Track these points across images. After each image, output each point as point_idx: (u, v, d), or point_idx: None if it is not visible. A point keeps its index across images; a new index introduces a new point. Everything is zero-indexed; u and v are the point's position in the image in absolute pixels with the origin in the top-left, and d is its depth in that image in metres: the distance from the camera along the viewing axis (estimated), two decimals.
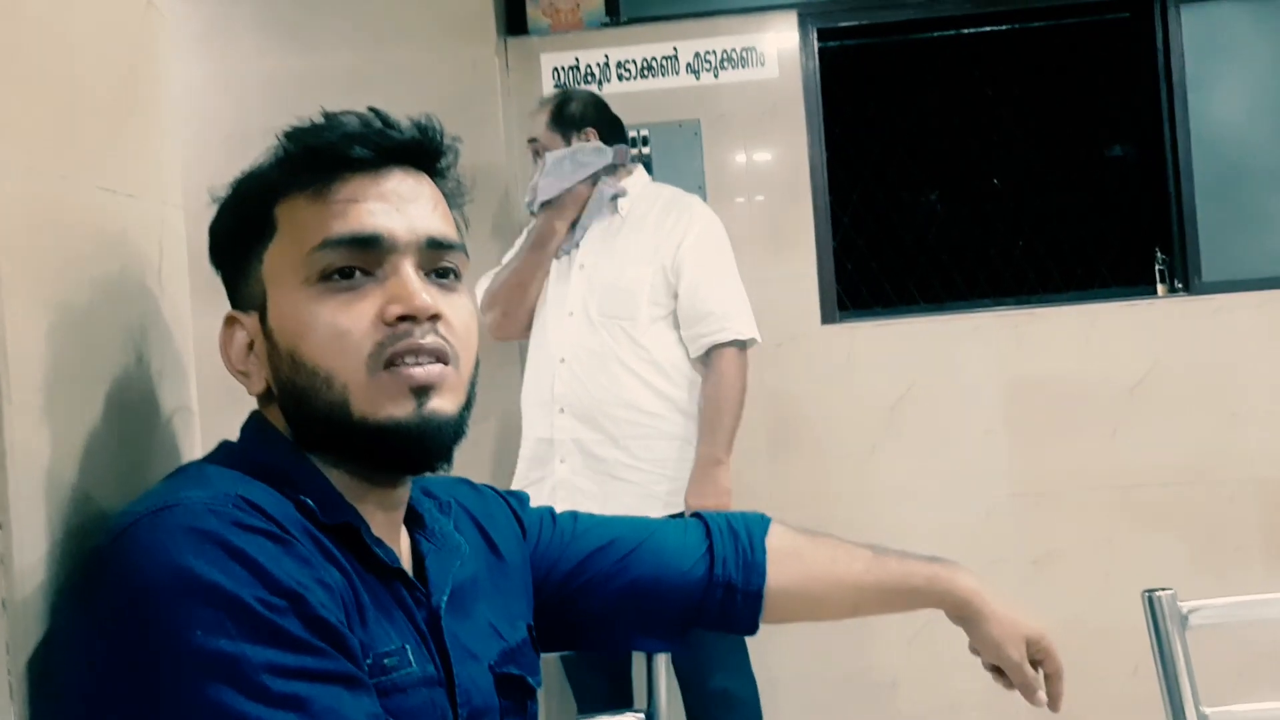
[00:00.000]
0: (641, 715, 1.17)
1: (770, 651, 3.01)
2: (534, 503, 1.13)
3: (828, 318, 3.17)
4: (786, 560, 1.12)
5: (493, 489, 1.08)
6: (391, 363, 0.82)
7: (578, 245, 2.55)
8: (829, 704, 3.11)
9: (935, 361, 3.14)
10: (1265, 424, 3.05)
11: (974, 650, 1.15)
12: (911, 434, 3.12)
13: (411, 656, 0.81)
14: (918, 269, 3.35)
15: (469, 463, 1.07)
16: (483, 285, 2.64)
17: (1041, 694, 1.13)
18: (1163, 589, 1.03)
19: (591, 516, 1.14)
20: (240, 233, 0.87)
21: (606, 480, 2.44)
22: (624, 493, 2.40)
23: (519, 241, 2.68)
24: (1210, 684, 1.06)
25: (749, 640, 2.57)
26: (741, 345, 2.50)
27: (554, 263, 2.57)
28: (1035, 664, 1.13)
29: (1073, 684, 1.18)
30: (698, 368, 2.51)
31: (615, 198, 2.55)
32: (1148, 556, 3.02)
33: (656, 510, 2.34)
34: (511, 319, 2.61)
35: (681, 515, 1.43)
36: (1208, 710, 1.01)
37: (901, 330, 3.19)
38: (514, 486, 2.49)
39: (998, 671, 1.16)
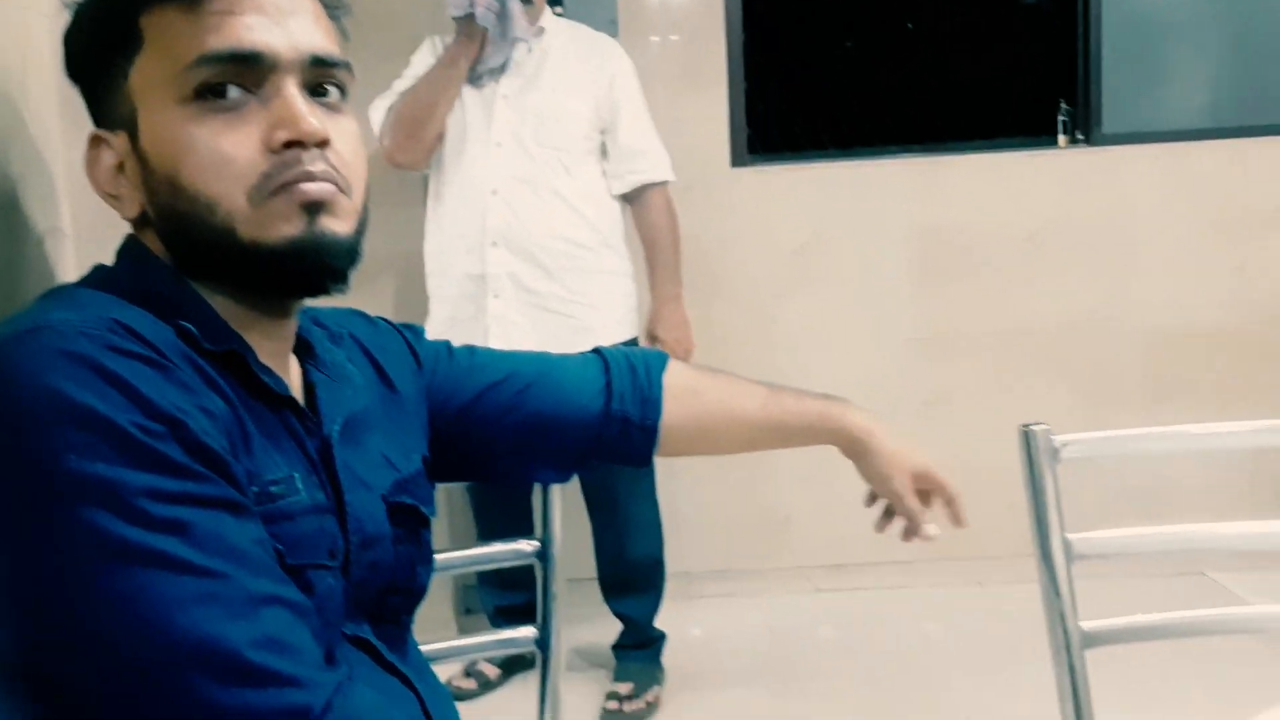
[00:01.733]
0: (537, 544, 1.19)
1: (674, 484, 3.10)
2: (466, 342, 1.12)
3: (738, 160, 3.16)
4: (683, 396, 1.13)
5: (387, 321, 1.07)
6: (279, 190, 0.79)
7: (498, 75, 2.47)
8: (727, 536, 3.23)
9: (843, 207, 3.17)
10: (1155, 275, 3.17)
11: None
12: (817, 279, 3.16)
13: (300, 484, 0.80)
14: (829, 114, 3.33)
15: (371, 310, 1.06)
16: (379, 108, 2.53)
17: (928, 528, 1.17)
18: (1038, 424, 1.07)
19: (489, 350, 1.13)
20: (102, 44, 0.81)
21: (540, 314, 2.44)
22: (558, 327, 2.41)
23: (414, 60, 2.56)
24: (1081, 516, 1.11)
25: (656, 471, 2.65)
26: (666, 184, 2.57)
27: (471, 92, 2.48)
28: (926, 496, 1.18)
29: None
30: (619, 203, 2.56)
31: (526, 39, 2.45)
32: (1036, 399, 3.15)
33: (590, 344, 2.35)
34: (417, 142, 2.48)
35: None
36: (1070, 536, 1.07)
37: (811, 175, 3.20)
38: (435, 327, 2.47)
39: (886, 514, 1.20)
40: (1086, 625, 1.06)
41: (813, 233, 3.16)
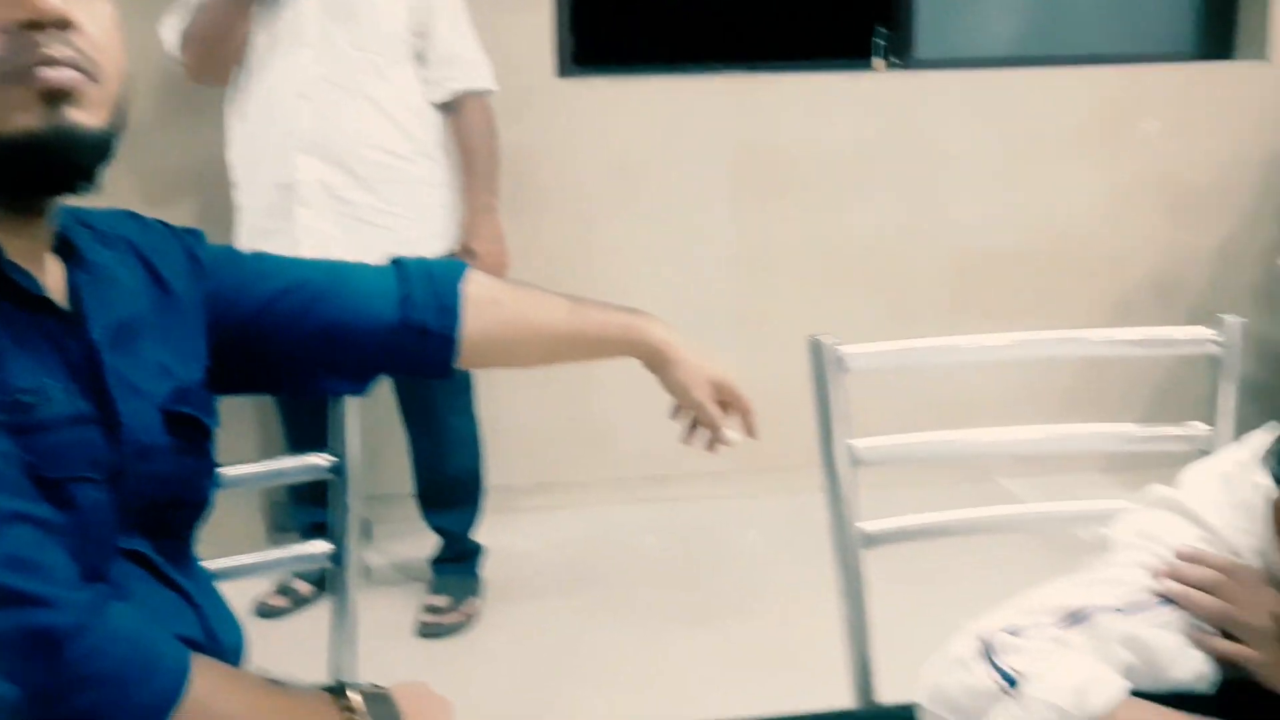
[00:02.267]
0: (332, 458, 1.16)
1: (494, 396, 3.09)
2: (275, 252, 1.07)
3: (564, 72, 3.11)
4: (483, 307, 1.12)
5: (163, 224, 1.01)
6: (14, 77, 0.72)
7: None
8: (548, 448, 3.25)
9: (666, 123, 3.16)
10: (961, 196, 3.30)
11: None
12: (640, 195, 3.16)
13: (57, 393, 0.76)
14: (655, 28, 3.31)
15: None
16: (170, 26, 2.36)
17: (726, 432, 1.21)
18: (825, 335, 1.11)
19: (279, 257, 1.09)
20: None
21: (355, 226, 2.35)
22: (374, 239, 2.32)
23: None
24: (881, 428, 1.16)
25: (476, 384, 2.63)
26: (485, 94, 2.50)
27: None
28: (725, 408, 1.21)
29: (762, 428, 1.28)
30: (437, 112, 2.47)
31: None
32: (848, 315, 3.25)
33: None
34: (215, 60, 2.36)
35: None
36: (853, 442, 1.11)
37: (636, 90, 3.18)
38: (242, 240, 2.36)
39: (690, 426, 1.23)
40: (866, 526, 1.12)
41: (636, 148, 3.15)
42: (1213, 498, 0.79)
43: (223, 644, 0.89)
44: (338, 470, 1.14)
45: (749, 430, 1.23)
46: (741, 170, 3.21)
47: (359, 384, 1.12)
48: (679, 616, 2.59)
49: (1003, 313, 3.30)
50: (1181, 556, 0.75)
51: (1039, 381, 3.33)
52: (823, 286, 3.27)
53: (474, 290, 1.12)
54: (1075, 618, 0.71)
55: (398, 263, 1.12)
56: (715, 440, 1.21)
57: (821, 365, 1.10)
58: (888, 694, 1.05)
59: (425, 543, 2.71)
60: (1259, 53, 3.41)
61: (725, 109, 3.19)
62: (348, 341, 1.06)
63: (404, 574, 2.80)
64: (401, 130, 2.40)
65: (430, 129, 2.46)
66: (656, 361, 1.18)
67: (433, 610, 2.55)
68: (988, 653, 0.68)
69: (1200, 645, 0.73)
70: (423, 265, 1.13)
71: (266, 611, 2.56)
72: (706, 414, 1.19)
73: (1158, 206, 3.42)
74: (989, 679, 0.67)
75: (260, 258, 1.07)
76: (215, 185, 2.58)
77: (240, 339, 1.01)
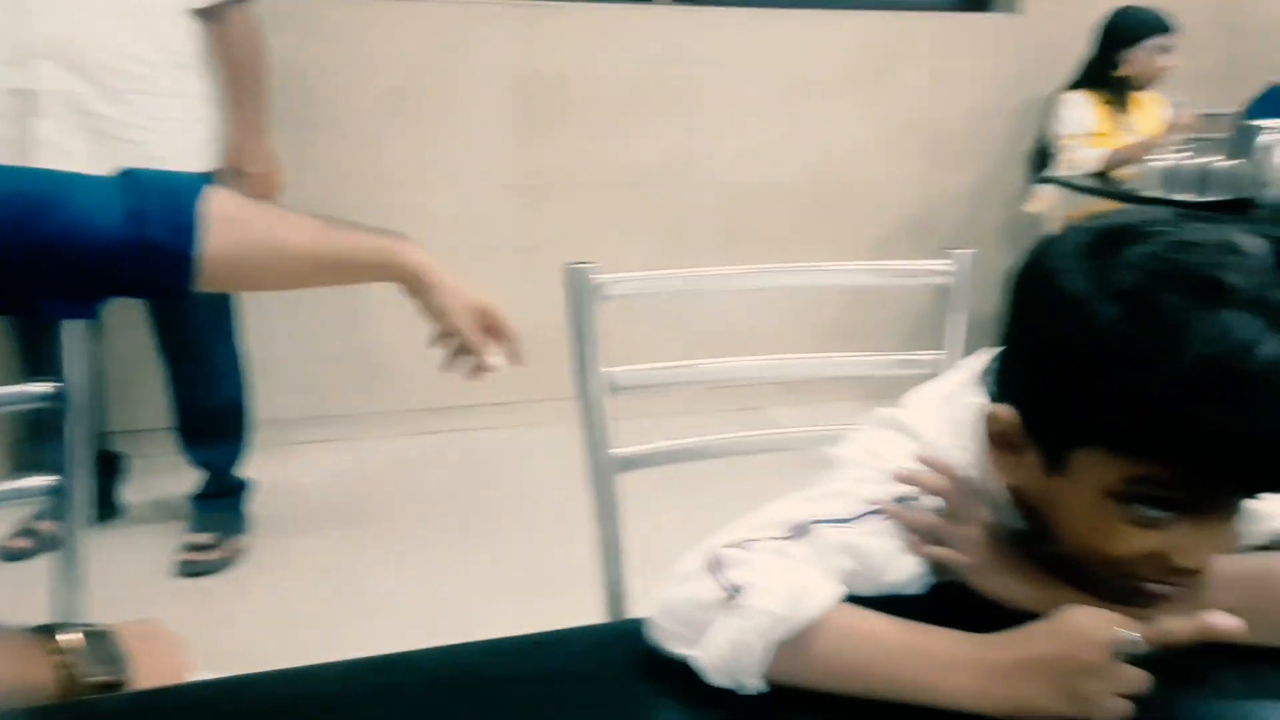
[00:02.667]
0: (53, 386, 1.08)
1: (264, 326, 2.96)
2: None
3: None
4: (225, 226, 1.05)
5: None
6: None
7: None
8: (323, 380, 3.16)
9: (446, 46, 3.08)
10: (737, 133, 3.37)
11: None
12: (419, 118, 3.07)
13: None
14: None
15: None
16: None
17: (489, 359, 1.19)
18: (583, 263, 1.10)
19: None
20: None
21: (101, 141, 2.16)
22: (122, 155, 2.13)
23: None
24: (641, 357, 1.17)
25: (244, 313, 2.51)
26: (248, 1, 2.35)
27: None
28: (487, 334, 1.19)
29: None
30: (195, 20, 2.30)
31: None
32: (623, 246, 3.30)
33: None
34: None
35: None
36: (609, 370, 1.12)
37: (414, 10, 3.06)
38: None
39: (452, 354, 1.20)
40: (620, 451, 1.13)
41: (415, 69, 3.05)
42: (931, 417, 0.84)
43: None
44: (60, 399, 1.06)
45: (515, 356, 1.22)
46: (522, 98, 3.16)
47: (84, 306, 1.04)
48: (454, 547, 2.59)
49: (773, 247, 3.41)
50: (921, 462, 0.79)
51: (807, 317, 3.47)
52: (600, 217, 3.28)
53: (215, 208, 1.05)
54: (799, 530, 0.75)
55: (128, 174, 1.04)
56: (478, 367, 1.20)
57: (578, 292, 1.10)
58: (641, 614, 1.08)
59: (188, 479, 2.59)
60: (1012, 5, 3.62)
61: (507, 36, 3.12)
62: (68, 259, 0.97)
63: (164, 512, 2.67)
64: (153, 37, 2.22)
65: (186, 37, 2.29)
66: (415, 286, 1.14)
67: (194, 548, 2.45)
68: (714, 567, 0.71)
69: (916, 551, 0.77)
70: (158, 178, 1.05)
71: (8, 554, 2.39)
72: (467, 340, 1.17)
73: (917, 149, 3.60)
74: (713, 591, 0.69)
75: None
76: None
77: None
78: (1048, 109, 3.39)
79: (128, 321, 2.59)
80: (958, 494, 0.79)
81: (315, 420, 3.16)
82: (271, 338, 3.02)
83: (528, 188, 3.22)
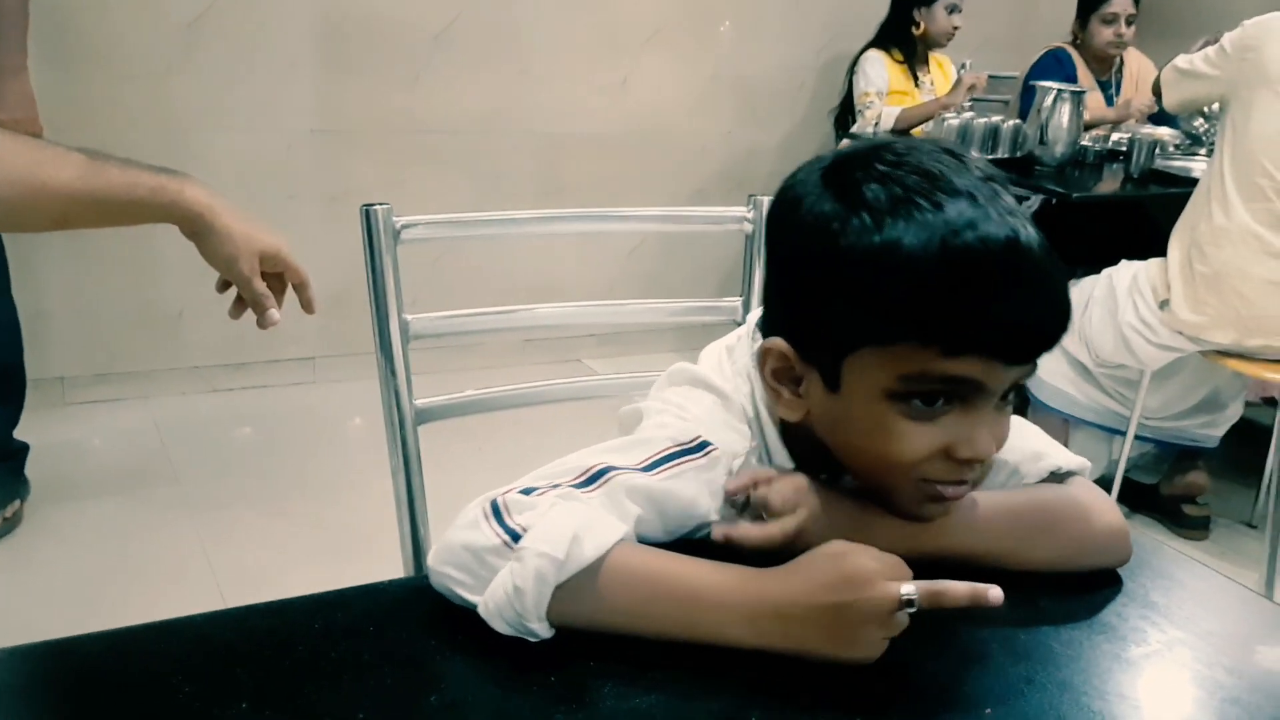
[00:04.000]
0: None
1: (40, 280, 2.76)
2: None
3: None
4: None
5: None
6: None
7: None
8: (108, 337, 2.96)
9: None
10: (550, 81, 3.32)
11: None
12: (212, 57, 2.89)
13: None
14: None
15: None
16: None
17: (273, 312, 1.12)
18: (380, 204, 1.06)
19: None
20: None
21: None
22: None
23: None
24: (426, 297, 1.13)
25: (11, 265, 2.31)
26: None
27: None
28: (274, 279, 1.12)
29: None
30: None
31: None
32: (437, 195, 3.21)
33: None
34: None
35: None
36: (408, 317, 1.08)
37: None
38: None
39: (238, 302, 1.13)
40: (419, 402, 1.10)
41: (208, 5, 2.86)
42: (721, 368, 0.87)
43: None
44: None
45: (307, 304, 1.16)
46: (329, 38, 3.02)
47: None
48: (254, 509, 2.48)
49: (589, 200, 3.39)
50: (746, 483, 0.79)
51: (621, 268, 3.48)
52: (411, 165, 3.19)
53: None
54: (593, 476, 0.74)
55: None
56: (263, 319, 1.13)
57: (375, 235, 1.05)
58: None
59: None
60: None
61: None
62: None
63: None
64: None
65: None
66: (196, 228, 1.06)
67: None
68: (495, 513, 0.69)
69: (732, 534, 0.76)
70: None
71: None
72: (251, 289, 1.10)
73: (730, 103, 3.64)
74: (492, 537, 0.68)
75: None
76: None
77: None
78: (851, 67, 3.48)
79: None
80: (778, 480, 0.79)
81: (100, 378, 2.97)
82: (48, 289, 2.81)
83: (335, 132, 3.09)
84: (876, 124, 3.31)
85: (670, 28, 3.45)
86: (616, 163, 3.47)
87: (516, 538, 0.67)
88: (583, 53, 3.35)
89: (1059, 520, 0.84)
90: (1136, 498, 2.81)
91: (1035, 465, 0.88)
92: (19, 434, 2.42)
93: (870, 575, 0.66)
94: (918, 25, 3.37)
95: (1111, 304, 2.54)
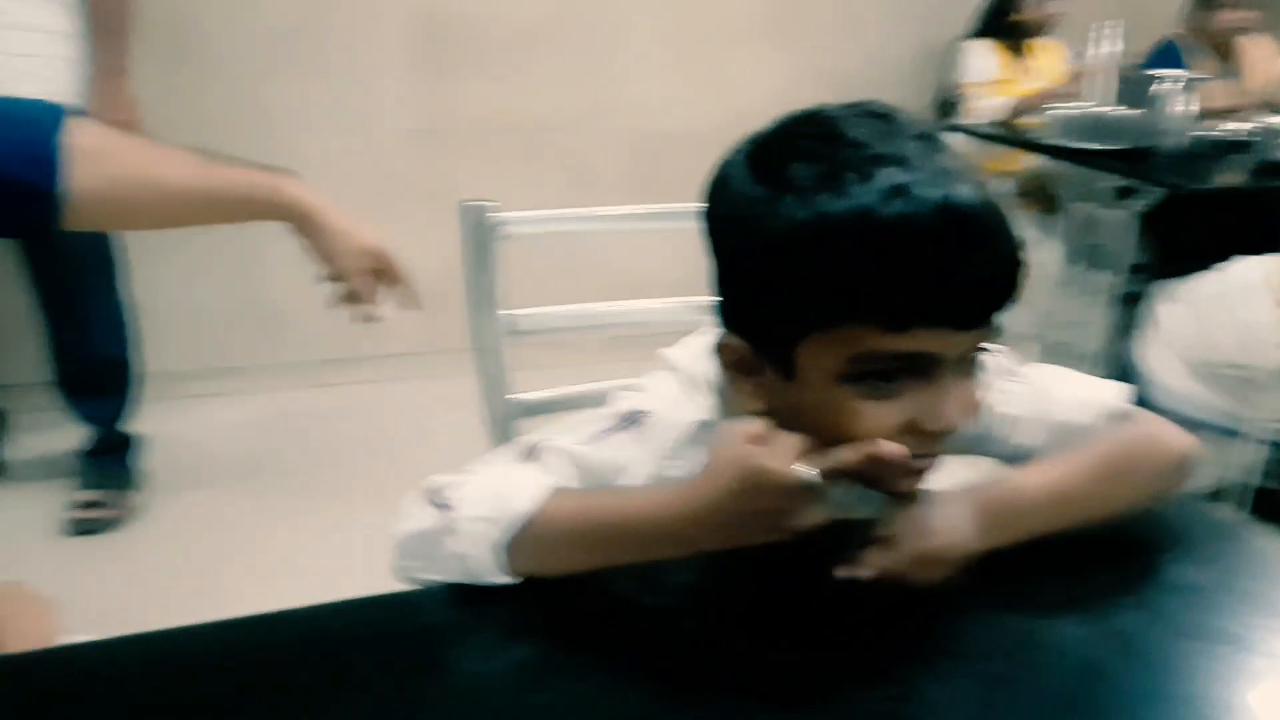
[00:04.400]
0: None
1: (153, 277, 2.85)
2: None
3: None
4: (93, 159, 0.98)
5: None
6: None
7: None
8: (216, 332, 3.05)
9: None
10: (644, 78, 3.32)
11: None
12: (311, 60, 2.96)
13: None
14: None
15: None
16: None
17: (373, 308, 1.15)
18: (477, 201, 1.06)
19: None
20: None
21: None
22: None
23: None
24: (521, 293, 1.14)
25: (129, 264, 2.39)
26: None
27: None
28: (378, 278, 1.15)
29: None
30: None
31: None
32: (532, 191, 3.23)
33: None
34: None
35: None
36: (505, 312, 1.08)
37: None
38: None
39: (341, 298, 1.15)
40: (519, 397, 1.10)
41: (307, 6, 2.93)
42: (690, 346, 0.87)
43: None
44: None
45: (407, 303, 1.18)
46: (424, 39, 3.06)
47: None
48: (353, 500, 2.52)
49: (678, 193, 3.37)
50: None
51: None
52: (504, 163, 3.21)
53: (81, 140, 0.98)
54: (529, 453, 0.77)
55: None
56: (366, 314, 1.15)
57: (474, 230, 1.05)
58: None
59: (76, 435, 2.48)
60: None
61: None
62: None
63: (51, 469, 2.55)
64: None
65: None
66: (303, 226, 1.09)
67: (83, 505, 2.35)
68: (430, 496, 0.72)
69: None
70: (11, 106, 0.97)
71: None
72: (352, 286, 1.12)
73: (825, 96, 3.56)
74: (430, 518, 0.71)
75: None
76: None
77: None
78: (948, 57, 3.40)
79: (10, 269, 2.46)
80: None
81: (208, 372, 3.06)
82: (160, 286, 2.91)
83: (428, 132, 3.13)
84: (981, 116, 3.23)
85: (764, 21, 3.42)
86: (708, 159, 3.43)
87: (448, 512, 0.71)
88: (674, 47, 3.34)
89: (1141, 462, 0.84)
90: (1268, 505, 2.68)
91: (1094, 415, 0.87)
92: (134, 427, 2.50)
93: (760, 458, 0.66)
94: (1017, 11, 3.28)
95: (1230, 302, 2.44)
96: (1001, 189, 3.22)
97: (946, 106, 3.43)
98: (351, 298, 1.13)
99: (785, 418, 0.75)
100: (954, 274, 0.66)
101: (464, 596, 0.71)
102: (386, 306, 1.15)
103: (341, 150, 3.01)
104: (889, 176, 0.66)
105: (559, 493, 0.72)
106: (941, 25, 3.48)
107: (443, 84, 3.11)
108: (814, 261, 0.67)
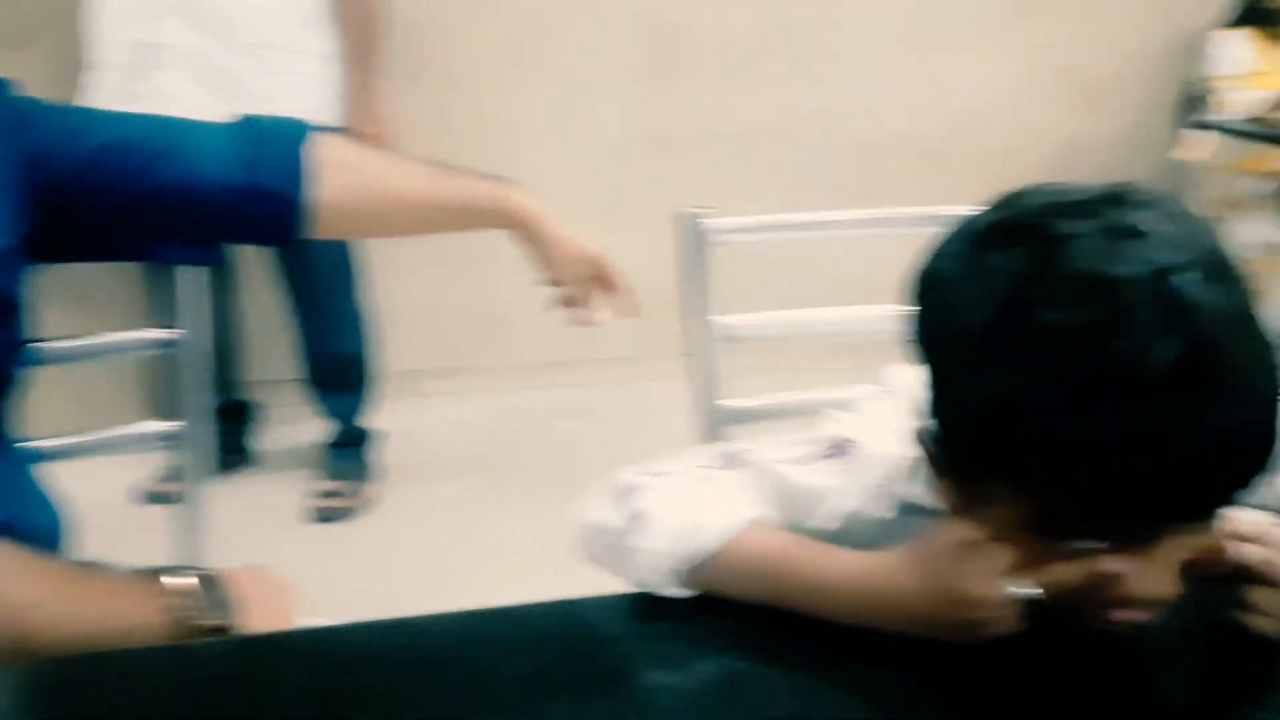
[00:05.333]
0: (171, 333, 1.10)
1: (392, 280, 3.01)
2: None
3: None
4: (339, 171, 1.06)
5: None
6: None
7: None
8: (451, 333, 3.20)
9: None
10: (866, 81, 3.25)
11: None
12: (537, 70, 3.06)
13: None
14: None
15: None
16: None
17: (591, 313, 1.17)
18: (695, 207, 1.07)
19: (109, 112, 1.02)
20: None
21: (224, 94, 2.19)
22: (244, 109, 2.14)
23: None
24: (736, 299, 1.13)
25: (372, 266, 2.54)
26: None
27: None
28: (597, 285, 1.17)
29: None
30: None
31: None
32: (749, 201, 3.21)
33: None
34: None
35: None
36: (718, 319, 1.09)
37: None
38: (90, 100, 2.21)
39: (560, 302, 1.19)
40: (730, 404, 1.10)
41: (535, 21, 3.03)
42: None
43: (31, 527, 0.84)
44: (173, 346, 1.08)
45: (626, 309, 1.20)
46: (643, 48, 3.11)
47: (199, 252, 1.06)
48: (572, 496, 2.59)
49: (900, 198, 3.28)
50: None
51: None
52: (724, 170, 3.22)
53: (327, 154, 1.05)
54: (732, 461, 0.74)
55: (245, 121, 1.05)
56: (585, 319, 1.18)
57: (688, 237, 1.06)
58: None
59: (319, 428, 2.66)
60: None
61: None
62: (185, 204, 0.98)
63: (296, 460, 2.75)
64: None
65: None
66: (525, 233, 1.13)
67: (325, 495, 2.52)
68: (623, 493, 0.70)
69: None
70: (272, 124, 1.06)
71: (158, 498, 2.48)
72: (573, 291, 1.15)
73: (1054, 94, 3.41)
74: (616, 519, 0.70)
75: (87, 112, 1.00)
76: (66, 36, 2.39)
77: (63, 201, 0.93)
78: (1196, 48, 3.16)
79: (268, 274, 2.67)
80: None
81: (443, 371, 3.21)
82: (401, 291, 3.07)
83: (649, 139, 3.18)
84: (1236, 111, 2.99)
85: (990, 17, 3.28)
86: (931, 163, 3.34)
87: (635, 521, 0.69)
88: (895, 48, 3.25)
89: None
90: None
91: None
92: (373, 423, 2.66)
93: (962, 571, 0.62)
94: None
95: None
96: (1256, 190, 2.97)
97: (1194, 102, 3.20)
98: (570, 302, 1.17)
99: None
100: (1169, 464, 0.54)
101: (651, 605, 0.71)
102: (604, 312, 1.17)
103: (563, 160, 3.10)
104: (1129, 327, 0.53)
105: (756, 527, 0.70)
106: (1190, 14, 3.24)
107: (662, 93, 3.15)
108: (1011, 410, 0.56)
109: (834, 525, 0.75)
